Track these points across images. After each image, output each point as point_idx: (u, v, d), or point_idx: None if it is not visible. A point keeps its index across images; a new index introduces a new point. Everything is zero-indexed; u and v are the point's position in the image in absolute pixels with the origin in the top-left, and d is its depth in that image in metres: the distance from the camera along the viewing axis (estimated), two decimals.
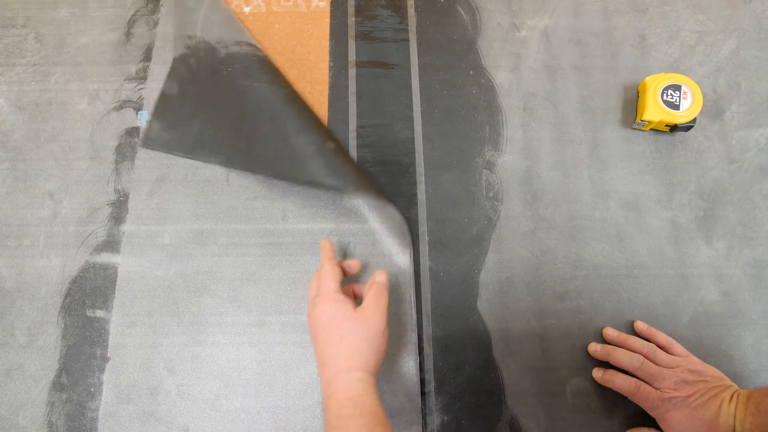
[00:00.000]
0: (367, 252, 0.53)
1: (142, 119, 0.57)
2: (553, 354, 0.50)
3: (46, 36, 0.61)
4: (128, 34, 0.61)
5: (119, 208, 0.54)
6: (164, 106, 0.56)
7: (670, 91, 0.55)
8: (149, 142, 0.55)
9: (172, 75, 0.57)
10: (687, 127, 0.56)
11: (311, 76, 0.60)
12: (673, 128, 0.56)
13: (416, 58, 0.60)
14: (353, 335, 0.41)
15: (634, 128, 0.58)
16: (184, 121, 0.55)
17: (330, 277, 0.44)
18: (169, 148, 0.54)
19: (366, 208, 0.54)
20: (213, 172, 0.56)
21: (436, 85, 0.59)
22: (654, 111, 0.55)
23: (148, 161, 0.56)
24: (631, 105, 0.58)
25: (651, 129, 0.57)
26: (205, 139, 0.54)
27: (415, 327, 0.50)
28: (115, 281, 0.52)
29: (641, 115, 0.56)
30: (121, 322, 0.51)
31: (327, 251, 0.48)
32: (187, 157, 0.54)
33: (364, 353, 0.40)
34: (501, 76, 0.59)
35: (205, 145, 0.53)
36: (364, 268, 0.52)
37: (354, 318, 0.41)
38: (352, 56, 0.60)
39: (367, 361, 0.40)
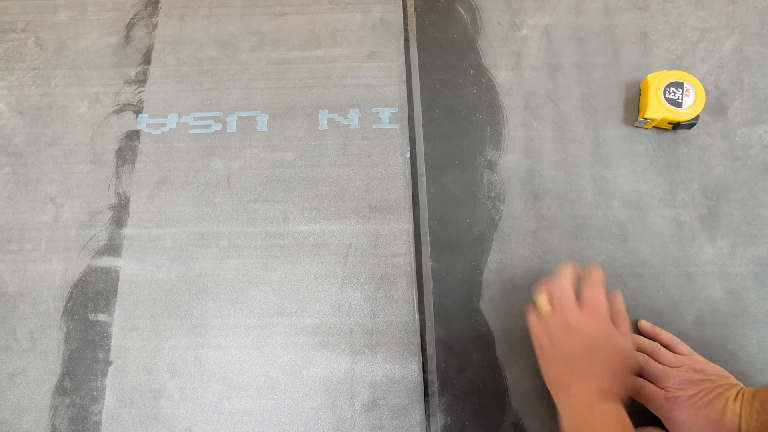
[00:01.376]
0: (368, 252, 0.53)
1: (143, 123, 0.57)
2: None
3: (46, 40, 0.61)
4: (127, 38, 0.61)
5: (120, 212, 0.54)
6: None
7: (672, 89, 0.55)
8: None
9: None
10: (690, 125, 0.55)
11: None
12: (676, 126, 0.56)
13: (416, 57, 0.60)
14: (620, 362, 0.44)
15: (637, 126, 0.57)
16: None
17: (601, 291, 0.45)
18: None
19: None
20: (214, 174, 0.56)
21: (436, 85, 0.59)
22: (656, 109, 0.54)
23: (149, 164, 0.56)
24: (633, 103, 0.58)
25: (653, 127, 0.57)
26: None
27: (417, 328, 0.50)
28: (117, 285, 0.52)
29: (643, 113, 0.55)
30: (123, 326, 0.51)
31: (601, 275, 0.47)
32: None
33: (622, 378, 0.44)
34: (502, 75, 0.59)
35: None
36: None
37: (620, 347, 0.44)
38: None
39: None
